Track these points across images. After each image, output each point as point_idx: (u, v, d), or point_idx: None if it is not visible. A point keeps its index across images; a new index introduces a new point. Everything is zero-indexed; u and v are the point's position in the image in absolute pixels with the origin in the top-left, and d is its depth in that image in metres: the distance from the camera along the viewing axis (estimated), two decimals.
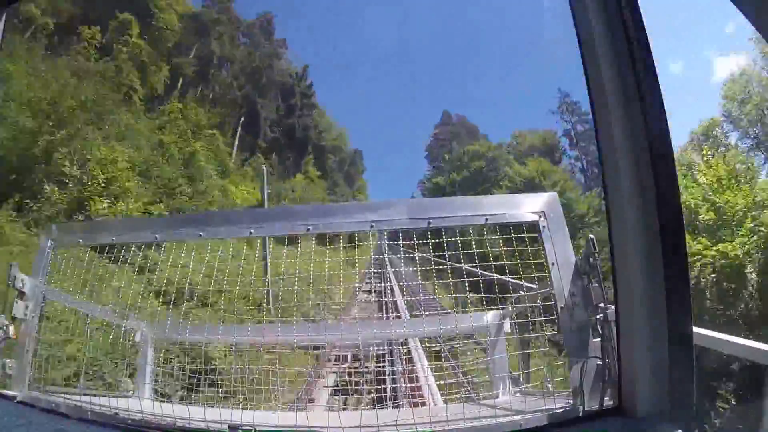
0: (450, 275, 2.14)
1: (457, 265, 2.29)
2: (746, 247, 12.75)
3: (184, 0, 32.14)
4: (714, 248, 12.89)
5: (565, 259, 1.61)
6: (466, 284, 2.11)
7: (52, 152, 13.43)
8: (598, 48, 1.22)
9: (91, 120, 15.99)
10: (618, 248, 1.26)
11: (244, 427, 1.55)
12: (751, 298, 12.48)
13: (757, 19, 0.95)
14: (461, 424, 1.64)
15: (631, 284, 1.22)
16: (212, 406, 2.10)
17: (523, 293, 2.37)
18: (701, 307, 12.03)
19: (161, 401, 2.12)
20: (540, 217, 1.69)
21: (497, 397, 2.17)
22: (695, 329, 1.27)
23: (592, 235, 1.48)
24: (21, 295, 2.01)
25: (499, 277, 2.25)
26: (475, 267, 2.04)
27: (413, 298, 9.36)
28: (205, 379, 2.75)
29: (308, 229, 1.82)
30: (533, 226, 1.70)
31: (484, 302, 2.38)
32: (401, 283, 12.95)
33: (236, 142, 34.73)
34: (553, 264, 1.61)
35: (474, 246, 1.92)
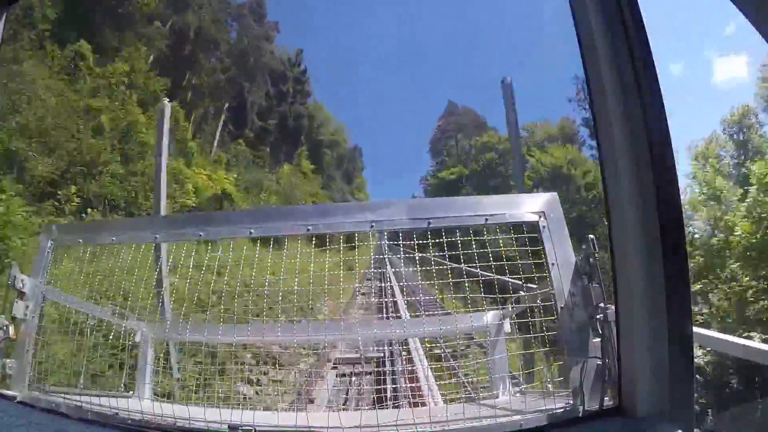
0: (450, 275, 2.14)
1: (457, 265, 2.29)
2: None
3: None
4: None
5: (565, 259, 1.61)
6: (466, 284, 2.12)
7: None
8: (598, 48, 1.22)
9: None
10: (618, 248, 1.26)
11: (244, 427, 1.55)
12: None
13: (757, 19, 0.95)
14: (461, 424, 1.64)
15: (631, 284, 1.22)
16: (212, 406, 2.10)
17: (523, 293, 2.38)
18: None
19: (161, 401, 2.12)
20: (540, 217, 1.69)
21: (497, 397, 2.17)
22: (695, 329, 1.28)
23: (592, 235, 1.48)
24: (21, 295, 2.01)
25: (499, 277, 2.25)
26: (475, 267, 2.04)
27: (413, 299, 9.37)
28: (206, 379, 2.76)
29: (308, 229, 1.83)
30: (533, 226, 1.71)
31: (484, 302, 2.38)
32: (401, 283, 12.96)
33: (218, 130, 31.35)
34: (553, 264, 1.62)
35: (474, 246, 1.92)
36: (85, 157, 14.23)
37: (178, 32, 28.52)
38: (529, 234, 1.74)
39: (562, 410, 1.51)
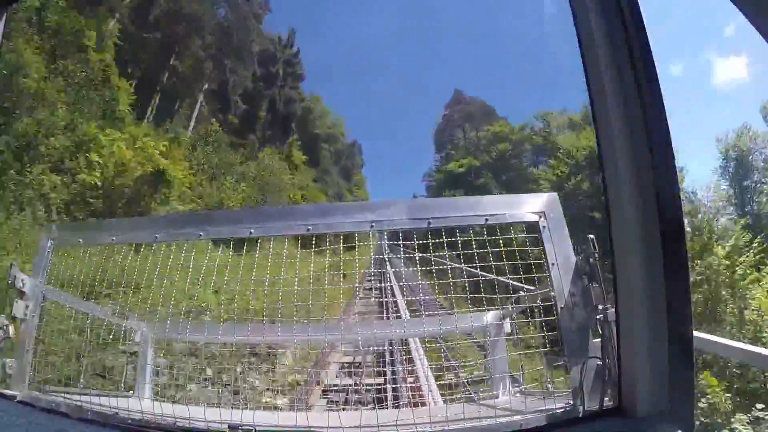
0: (450, 275, 2.15)
1: (457, 265, 2.29)
2: None
3: None
4: None
5: (565, 259, 1.61)
6: (467, 284, 2.12)
7: None
8: (598, 48, 1.22)
9: None
10: (618, 248, 1.26)
11: (244, 427, 1.55)
12: None
13: (757, 20, 0.95)
14: (461, 424, 1.64)
15: (631, 284, 1.22)
16: (212, 406, 2.10)
17: (523, 293, 2.38)
18: None
19: (161, 401, 2.12)
20: (540, 217, 1.69)
21: (497, 397, 2.17)
22: (695, 333, 1.28)
23: (592, 235, 1.48)
24: (21, 294, 2.01)
25: (499, 277, 2.25)
26: (475, 267, 2.04)
27: (413, 298, 9.37)
28: (206, 379, 2.76)
29: (308, 229, 1.83)
30: (533, 227, 1.71)
31: (484, 302, 2.38)
32: (401, 283, 12.97)
33: (195, 113, 27.71)
34: (553, 264, 1.62)
35: (474, 246, 1.92)
36: None
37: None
38: (529, 234, 1.74)
39: (562, 410, 1.51)
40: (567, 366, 1.54)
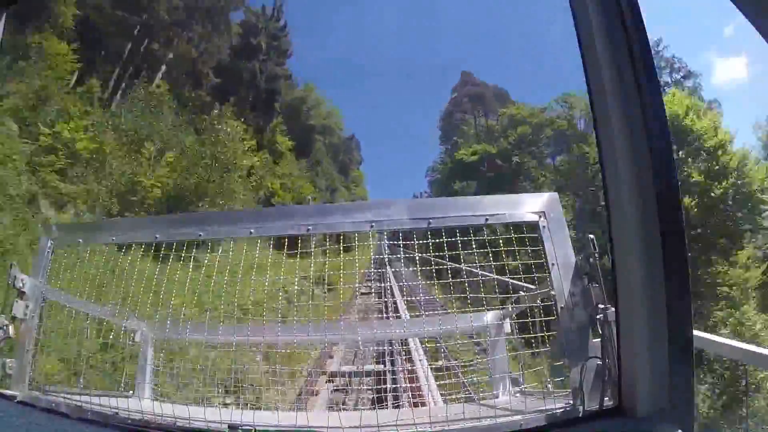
0: (450, 275, 2.15)
1: (457, 265, 2.29)
2: None
3: None
4: None
5: (565, 259, 1.61)
6: (466, 284, 2.12)
7: None
8: (598, 48, 1.22)
9: None
10: (618, 248, 1.26)
11: (244, 427, 1.55)
12: None
13: (757, 20, 0.95)
14: (461, 424, 1.64)
15: (631, 284, 1.22)
16: (212, 406, 2.10)
17: (523, 293, 2.38)
18: None
19: (161, 401, 2.12)
20: (540, 217, 1.69)
21: (497, 397, 2.17)
22: (694, 333, 1.28)
23: (592, 235, 1.48)
24: (21, 294, 2.01)
25: (499, 277, 2.25)
26: (475, 267, 2.04)
27: (413, 298, 9.38)
28: (205, 379, 2.76)
29: (308, 229, 1.83)
30: (533, 226, 1.71)
31: (484, 302, 2.38)
32: (401, 283, 12.97)
33: (152, 86, 22.14)
34: (553, 264, 1.62)
35: (474, 246, 1.92)
36: None
37: None
38: (529, 234, 1.74)
39: (562, 410, 1.51)
40: (567, 366, 1.54)
